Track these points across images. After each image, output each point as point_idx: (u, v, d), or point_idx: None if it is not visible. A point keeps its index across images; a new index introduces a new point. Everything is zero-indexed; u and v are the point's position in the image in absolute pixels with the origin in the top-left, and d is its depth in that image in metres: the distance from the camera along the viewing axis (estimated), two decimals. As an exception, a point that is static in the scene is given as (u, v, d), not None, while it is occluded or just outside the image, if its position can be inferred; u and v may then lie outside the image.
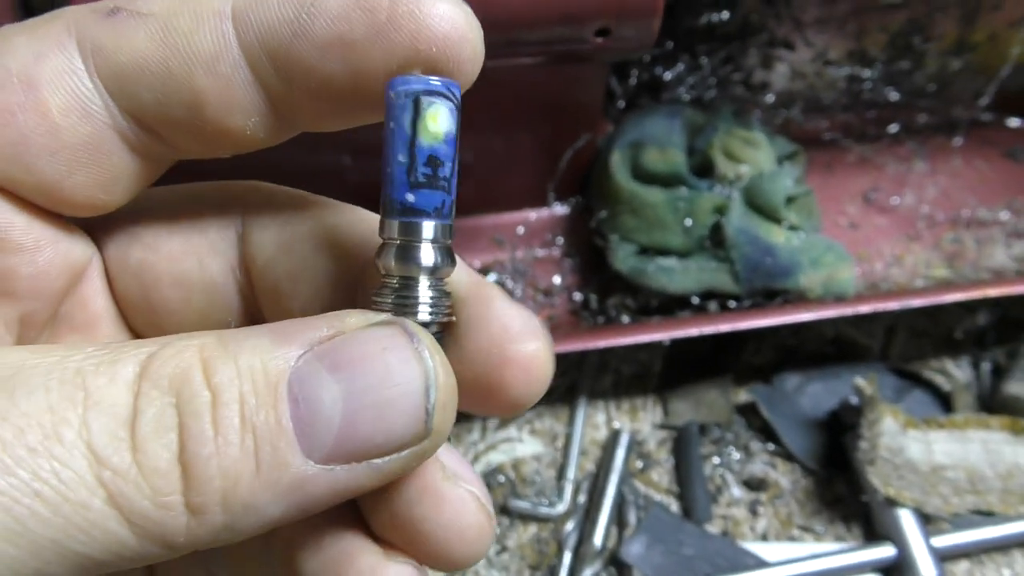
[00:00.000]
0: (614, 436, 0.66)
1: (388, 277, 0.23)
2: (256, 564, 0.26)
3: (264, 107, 0.23)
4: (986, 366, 0.69)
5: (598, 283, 0.68)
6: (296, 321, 0.21)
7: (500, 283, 0.68)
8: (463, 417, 0.68)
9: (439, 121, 0.21)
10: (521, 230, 0.70)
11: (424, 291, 0.22)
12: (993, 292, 0.61)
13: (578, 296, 0.68)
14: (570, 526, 0.63)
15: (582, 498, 0.65)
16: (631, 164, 0.65)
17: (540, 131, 0.65)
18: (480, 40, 0.22)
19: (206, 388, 0.19)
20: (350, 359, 0.20)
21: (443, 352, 0.21)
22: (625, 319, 0.65)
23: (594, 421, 0.68)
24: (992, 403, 0.67)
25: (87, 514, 0.18)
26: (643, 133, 0.65)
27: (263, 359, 0.20)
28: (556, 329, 0.67)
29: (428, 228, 0.22)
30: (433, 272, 0.22)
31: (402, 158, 0.21)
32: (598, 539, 0.62)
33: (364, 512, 0.24)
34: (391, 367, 0.20)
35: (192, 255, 0.26)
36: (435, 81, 0.21)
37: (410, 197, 0.22)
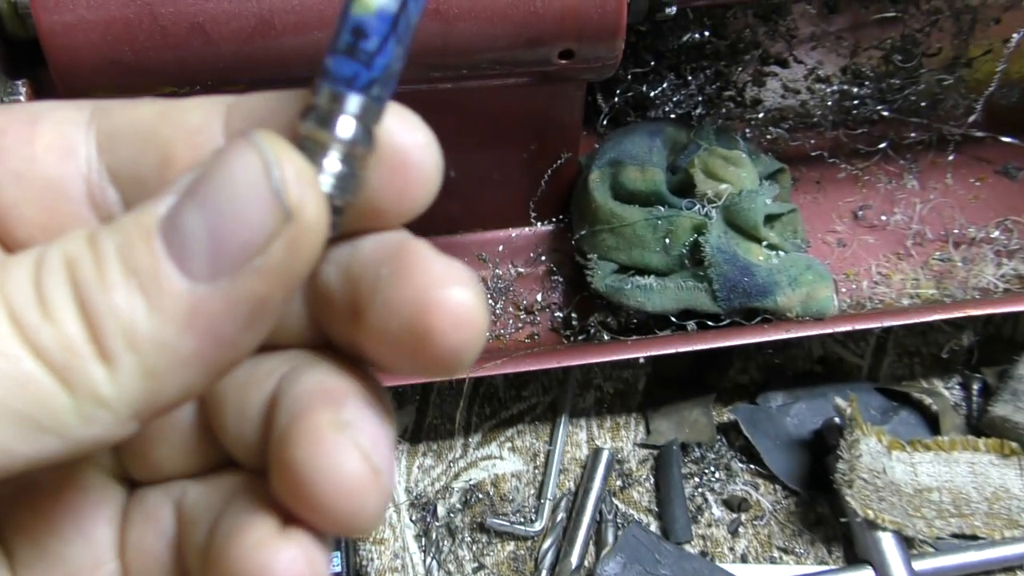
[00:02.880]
0: (595, 454, 0.66)
1: (305, 139, 0.23)
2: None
3: None
4: (976, 387, 0.68)
5: (579, 301, 0.68)
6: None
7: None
8: (444, 434, 0.68)
9: None
10: (502, 248, 0.70)
11: (332, 161, 0.22)
12: (975, 311, 0.60)
13: (559, 315, 0.68)
14: (547, 544, 0.63)
15: (561, 516, 0.65)
16: (611, 183, 0.65)
17: (520, 150, 0.65)
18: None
19: (88, 248, 0.21)
20: (201, 180, 0.21)
21: (286, 144, 0.21)
22: (605, 337, 0.65)
23: (576, 439, 0.68)
24: (980, 424, 0.66)
25: (20, 366, 0.20)
26: (623, 152, 0.65)
27: (135, 216, 0.21)
28: (537, 347, 0.67)
29: (346, 97, 0.22)
30: (343, 143, 0.22)
31: (336, 24, 0.22)
32: (575, 558, 0.62)
33: (268, 468, 0.23)
34: (231, 167, 0.21)
35: None
36: None
37: (328, 61, 0.22)
